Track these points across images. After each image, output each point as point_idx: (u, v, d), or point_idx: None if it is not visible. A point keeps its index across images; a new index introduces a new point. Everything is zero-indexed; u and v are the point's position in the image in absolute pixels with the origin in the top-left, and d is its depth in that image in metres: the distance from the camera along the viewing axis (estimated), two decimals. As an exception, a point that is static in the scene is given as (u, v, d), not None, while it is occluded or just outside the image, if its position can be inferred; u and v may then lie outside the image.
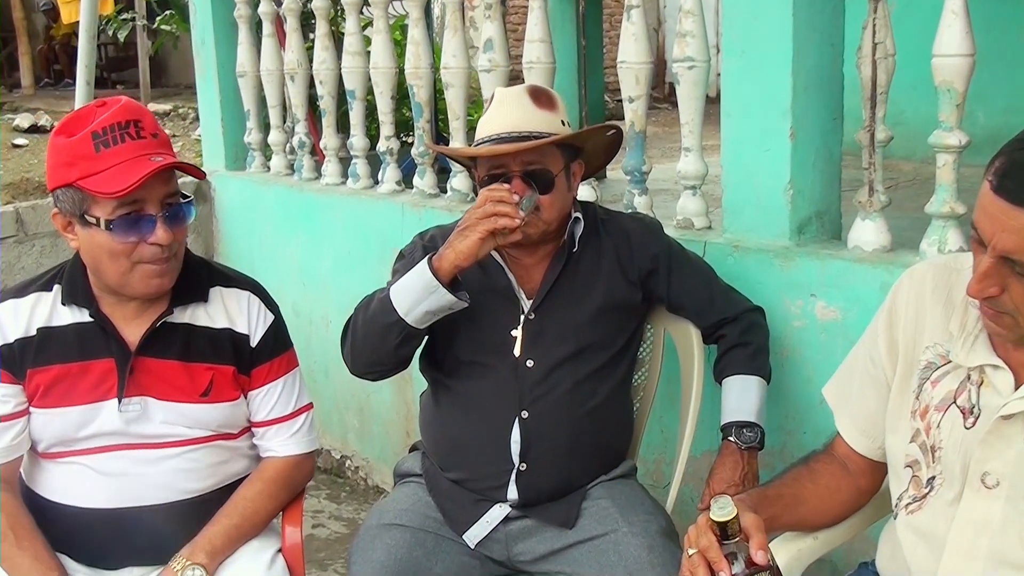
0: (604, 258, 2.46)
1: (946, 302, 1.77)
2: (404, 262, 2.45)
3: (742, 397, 2.42)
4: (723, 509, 1.60)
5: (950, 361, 1.74)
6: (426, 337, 2.39)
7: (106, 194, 1.99)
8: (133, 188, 1.99)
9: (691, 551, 1.64)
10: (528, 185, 2.31)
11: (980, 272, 1.55)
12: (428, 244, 2.48)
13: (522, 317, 2.41)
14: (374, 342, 2.31)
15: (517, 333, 2.40)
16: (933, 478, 1.75)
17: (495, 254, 2.41)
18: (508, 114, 2.38)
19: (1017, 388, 1.65)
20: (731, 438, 2.38)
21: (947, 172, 2.51)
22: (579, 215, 2.47)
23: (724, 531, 1.61)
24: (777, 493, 1.85)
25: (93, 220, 2.03)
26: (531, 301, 2.42)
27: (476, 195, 2.53)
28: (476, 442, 2.39)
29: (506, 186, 2.22)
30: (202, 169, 2.25)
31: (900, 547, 1.83)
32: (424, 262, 2.21)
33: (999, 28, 3.80)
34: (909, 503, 1.79)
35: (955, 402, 1.72)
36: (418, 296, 2.21)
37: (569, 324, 2.40)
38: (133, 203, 2.03)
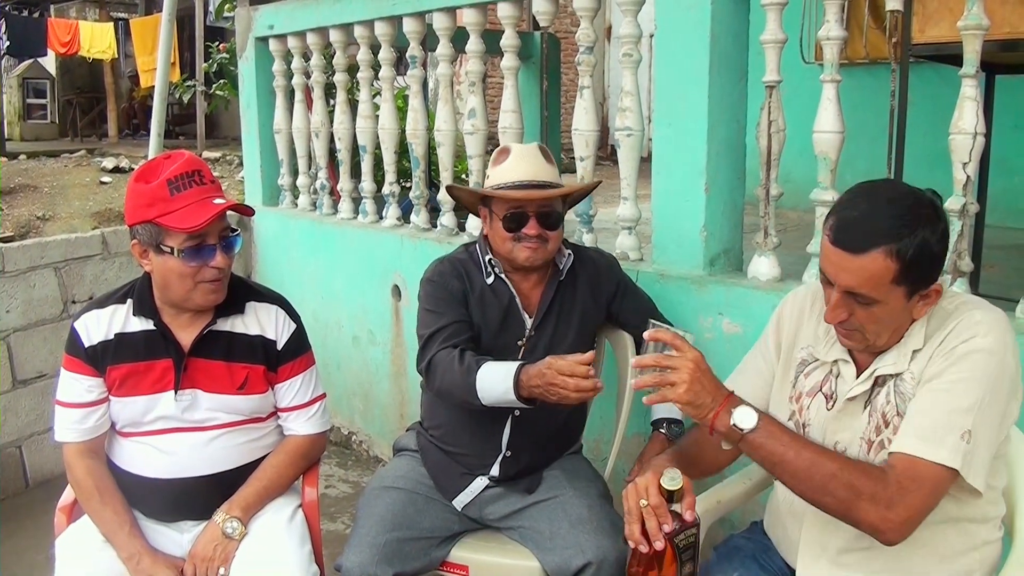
0: (580, 284, 2.43)
1: (820, 314, 1.80)
2: (438, 289, 2.36)
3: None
4: (674, 480, 1.64)
5: (817, 358, 1.79)
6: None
7: (181, 229, 2.01)
8: (204, 225, 2.01)
9: (644, 502, 1.65)
10: (541, 224, 2.28)
11: (832, 305, 1.64)
12: (451, 273, 2.39)
13: (526, 331, 2.37)
14: (456, 399, 2.20)
15: (522, 343, 2.36)
16: None
17: (506, 280, 2.38)
18: (527, 166, 2.33)
19: (858, 377, 1.71)
20: (662, 430, 2.38)
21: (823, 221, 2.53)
22: (570, 252, 2.43)
23: (669, 496, 1.64)
24: (686, 453, 1.88)
25: (167, 249, 2.04)
26: (531, 319, 2.38)
27: (460, 230, 2.51)
28: (477, 429, 2.36)
29: (589, 370, 2.00)
30: (250, 207, 2.25)
31: (777, 506, 1.86)
32: (512, 386, 2.06)
33: (861, 112, 3.83)
34: None
35: (821, 390, 1.77)
36: (499, 399, 2.11)
37: (557, 338, 2.37)
38: (199, 236, 2.04)
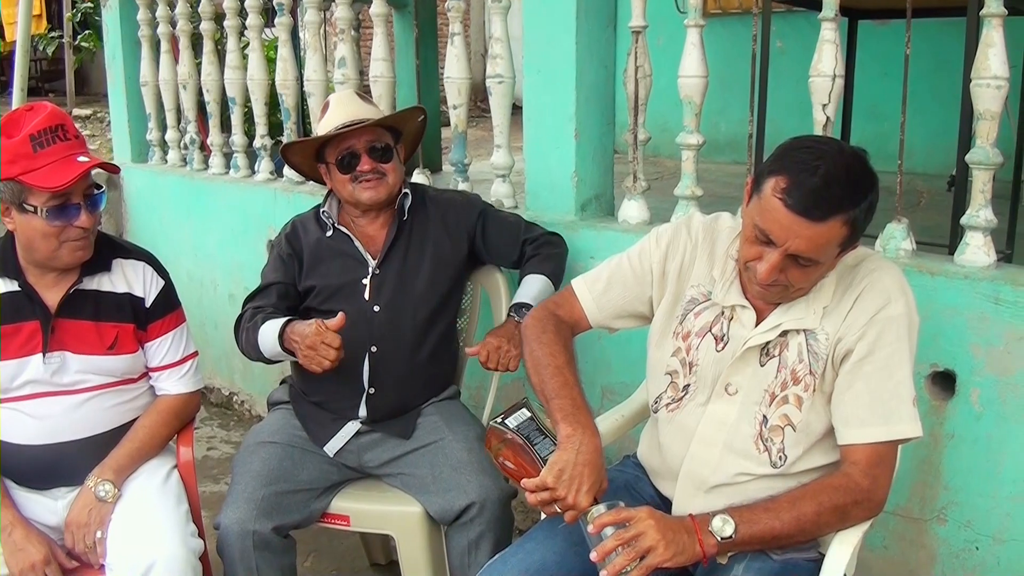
0: (431, 224, 2.46)
1: (710, 254, 1.83)
2: (273, 253, 2.52)
3: (528, 288, 2.41)
4: (599, 512, 1.59)
5: (710, 299, 1.80)
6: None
7: (45, 188, 1.95)
8: (69, 184, 1.97)
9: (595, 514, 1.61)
10: (373, 158, 2.35)
11: (771, 266, 1.60)
12: (290, 235, 2.51)
13: (369, 271, 2.40)
14: (254, 358, 2.39)
15: (367, 282, 2.39)
16: (688, 385, 1.81)
17: (344, 229, 2.44)
18: (344, 110, 2.40)
19: (758, 324, 1.74)
20: (512, 314, 2.35)
21: (689, 164, 2.59)
22: (407, 191, 2.48)
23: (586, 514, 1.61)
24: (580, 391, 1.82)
25: (31, 208, 1.99)
26: (375, 260, 2.41)
27: (322, 183, 2.52)
28: (337, 372, 2.32)
29: (331, 334, 2.17)
30: (116, 164, 2.19)
31: (657, 439, 1.89)
32: (277, 340, 2.24)
33: (736, 61, 3.93)
34: (669, 403, 1.85)
35: (711, 331, 1.79)
36: (272, 351, 2.30)
37: (406, 277, 2.39)
38: (64, 195, 1.99)
